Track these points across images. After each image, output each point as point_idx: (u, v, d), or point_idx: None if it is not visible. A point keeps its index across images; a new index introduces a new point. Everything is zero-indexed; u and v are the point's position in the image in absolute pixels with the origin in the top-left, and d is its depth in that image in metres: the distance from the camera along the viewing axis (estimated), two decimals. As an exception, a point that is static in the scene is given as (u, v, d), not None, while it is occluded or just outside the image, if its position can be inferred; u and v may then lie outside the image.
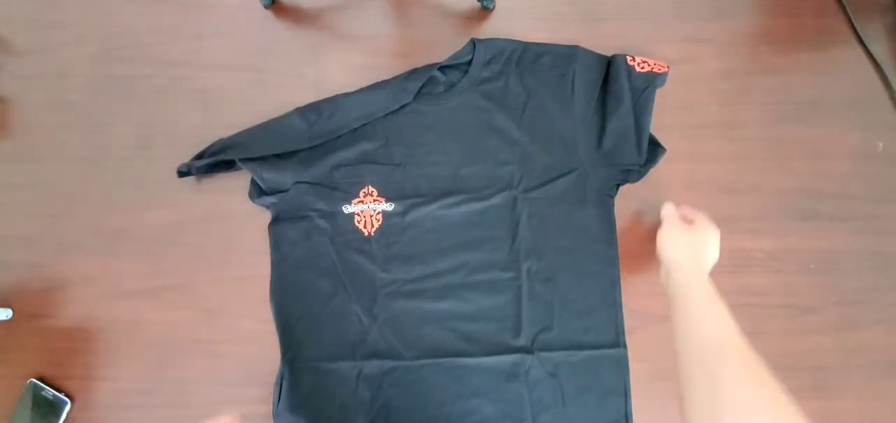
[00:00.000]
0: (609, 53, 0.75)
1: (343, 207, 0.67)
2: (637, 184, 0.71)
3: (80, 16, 0.83)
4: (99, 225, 0.72)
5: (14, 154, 0.76)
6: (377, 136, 0.70)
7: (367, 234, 0.66)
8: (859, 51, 0.79)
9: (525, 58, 0.73)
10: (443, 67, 0.73)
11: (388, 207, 0.67)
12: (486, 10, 0.81)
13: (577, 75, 0.71)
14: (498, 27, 0.81)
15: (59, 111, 0.78)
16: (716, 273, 0.67)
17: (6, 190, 0.74)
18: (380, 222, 0.66)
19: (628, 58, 0.71)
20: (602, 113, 0.70)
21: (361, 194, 0.67)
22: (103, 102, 0.78)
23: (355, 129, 0.70)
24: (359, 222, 0.67)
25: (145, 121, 0.77)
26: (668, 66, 0.71)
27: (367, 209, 0.67)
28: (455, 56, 0.74)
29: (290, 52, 0.79)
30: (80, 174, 0.74)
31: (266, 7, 0.82)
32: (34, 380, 0.65)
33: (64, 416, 0.63)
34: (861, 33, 0.79)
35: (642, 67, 0.70)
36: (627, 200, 0.70)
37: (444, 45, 0.77)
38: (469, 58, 0.73)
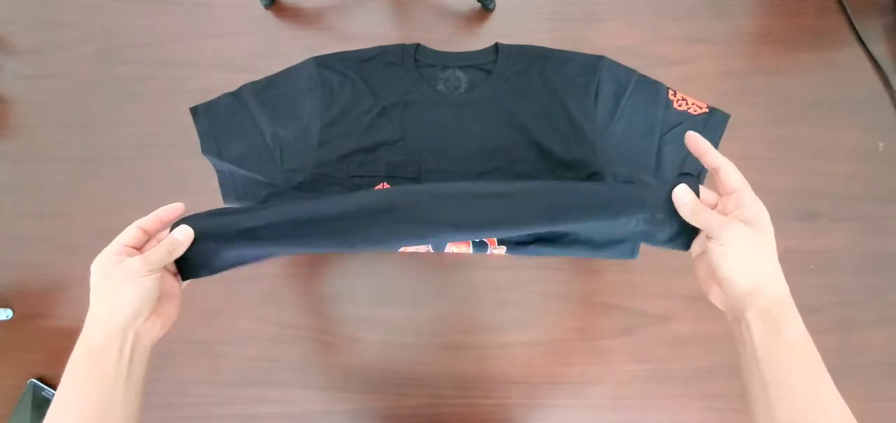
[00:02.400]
0: (609, 55, 0.75)
1: None
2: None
3: (81, 17, 0.83)
4: (99, 225, 0.72)
5: (15, 154, 0.76)
6: (396, 131, 0.70)
7: None
8: (859, 51, 0.79)
9: (549, 64, 0.73)
10: (464, 67, 0.74)
11: None
12: (486, 10, 0.81)
13: (602, 84, 0.71)
14: (498, 27, 0.81)
15: (59, 111, 0.78)
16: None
17: (6, 190, 0.74)
18: None
19: (670, 91, 0.71)
20: (630, 131, 0.69)
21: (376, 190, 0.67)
22: (103, 102, 0.78)
23: (373, 122, 0.70)
24: None
25: (145, 121, 0.77)
26: (707, 108, 0.70)
27: None
28: (475, 55, 0.74)
29: (290, 52, 0.79)
30: (81, 174, 0.75)
31: (266, 8, 0.82)
32: (34, 380, 0.65)
33: (63, 416, 0.63)
34: (861, 33, 0.79)
35: (680, 105, 0.70)
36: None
37: (444, 46, 0.77)
38: (492, 59, 0.73)
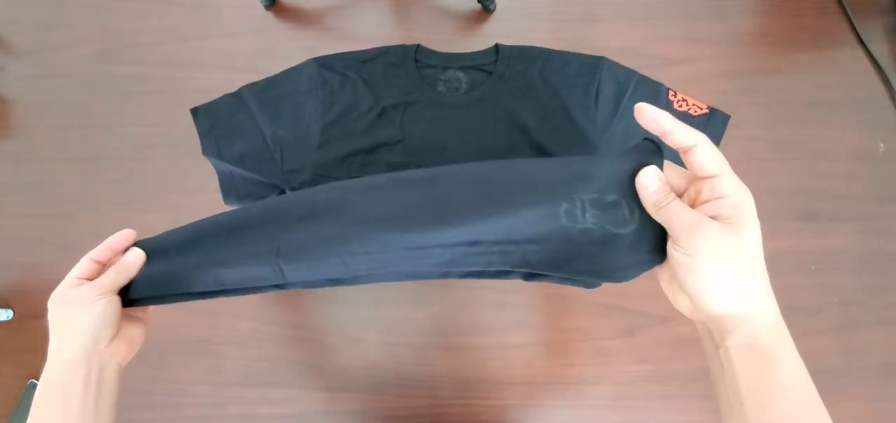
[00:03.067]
0: (609, 55, 0.75)
1: None
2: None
3: (81, 17, 0.83)
4: (99, 226, 0.72)
5: (15, 155, 0.76)
6: (396, 131, 0.70)
7: None
8: (860, 51, 0.79)
9: (550, 64, 0.73)
10: (465, 67, 0.74)
11: None
12: (486, 11, 0.81)
13: (603, 85, 0.71)
14: (498, 27, 0.81)
15: (59, 112, 0.78)
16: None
17: (7, 190, 0.74)
18: None
19: (670, 92, 0.70)
20: (629, 131, 0.69)
21: None
22: (104, 102, 0.78)
23: (374, 123, 0.70)
24: None
25: (145, 122, 0.77)
26: (707, 109, 0.69)
27: None
28: (476, 56, 0.74)
29: (290, 53, 0.79)
30: (81, 175, 0.75)
31: (266, 8, 0.82)
32: (34, 381, 0.65)
33: (64, 417, 0.63)
34: (861, 34, 0.79)
35: (680, 105, 0.69)
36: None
37: (444, 47, 0.77)
38: (493, 60, 0.73)
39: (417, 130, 0.70)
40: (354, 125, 0.71)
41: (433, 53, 0.75)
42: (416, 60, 0.74)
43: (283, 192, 0.68)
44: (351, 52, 0.75)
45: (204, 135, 0.72)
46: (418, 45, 0.75)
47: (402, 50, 0.74)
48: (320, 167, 0.69)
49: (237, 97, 0.74)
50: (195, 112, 0.73)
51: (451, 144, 0.70)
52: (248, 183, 0.70)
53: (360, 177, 0.69)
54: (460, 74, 0.73)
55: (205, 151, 0.72)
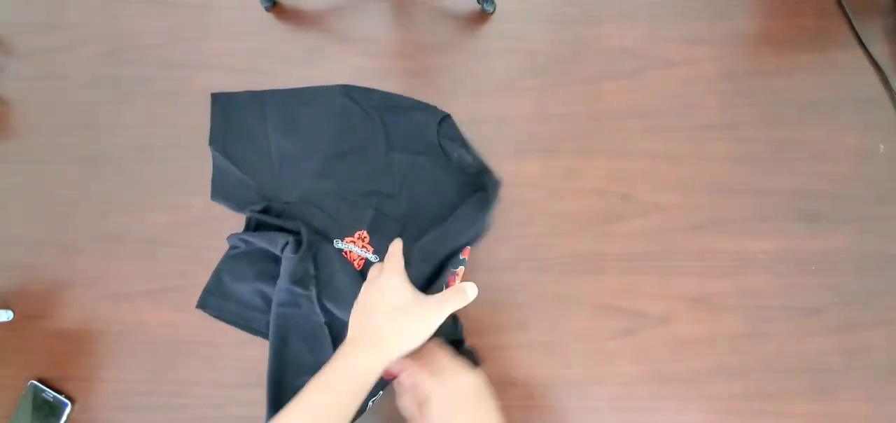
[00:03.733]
0: (609, 56, 0.75)
1: (336, 241, 0.67)
2: (638, 181, 0.71)
3: (82, 18, 0.84)
4: (100, 226, 0.72)
5: (15, 155, 0.76)
6: (395, 184, 0.70)
7: None
8: (859, 52, 0.79)
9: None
10: (475, 155, 0.71)
11: (373, 258, 0.67)
12: (485, 12, 0.81)
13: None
14: (498, 29, 0.81)
15: (60, 113, 0.78)
16: (717, 275, 0.68)
17: (8, 191, 0.74)
18: (360, 269, 0.66)
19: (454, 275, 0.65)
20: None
21: (356, 235, 0.68)
22: (105, 103, 0.78)
23: (376, 169, 0.70)
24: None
25: (147, 122, 0.77)
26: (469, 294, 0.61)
27: (355, 251, 0.67)
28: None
29: (290, 53, 0.79)
30: (82, 175, 0.75)
31: (267, 9, 0.83)
32: (34, 382, 0.65)
33: (64, 418, 0.63)
34: (861, 34, 0.79)
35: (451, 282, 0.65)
36: (632, 203, 0.70)
37: (444, 47, 0.77)
38: None
39: (416, 189, 0.70)
40: (359, 165, 0.71)
41: (456, 130, 0.73)
42: (439, 129, 0.73)
43: (266, 209, 0.67)
44: (380, 92, 0.74)
45: (215, 126, 0.73)
46: (446, 116, 0.73)
47: (431, 113, 0.73)
48: (312, 194, 0.69)
49: (257, 100, 0.74)
50: (215, 98, 0.73)
51: (439, 212, 0.68)
52: (241, 185, 0.70)
53: (348, 215, 0.69)
54: (470, 159, 0.71)
55: (211, 142, 0.72)
